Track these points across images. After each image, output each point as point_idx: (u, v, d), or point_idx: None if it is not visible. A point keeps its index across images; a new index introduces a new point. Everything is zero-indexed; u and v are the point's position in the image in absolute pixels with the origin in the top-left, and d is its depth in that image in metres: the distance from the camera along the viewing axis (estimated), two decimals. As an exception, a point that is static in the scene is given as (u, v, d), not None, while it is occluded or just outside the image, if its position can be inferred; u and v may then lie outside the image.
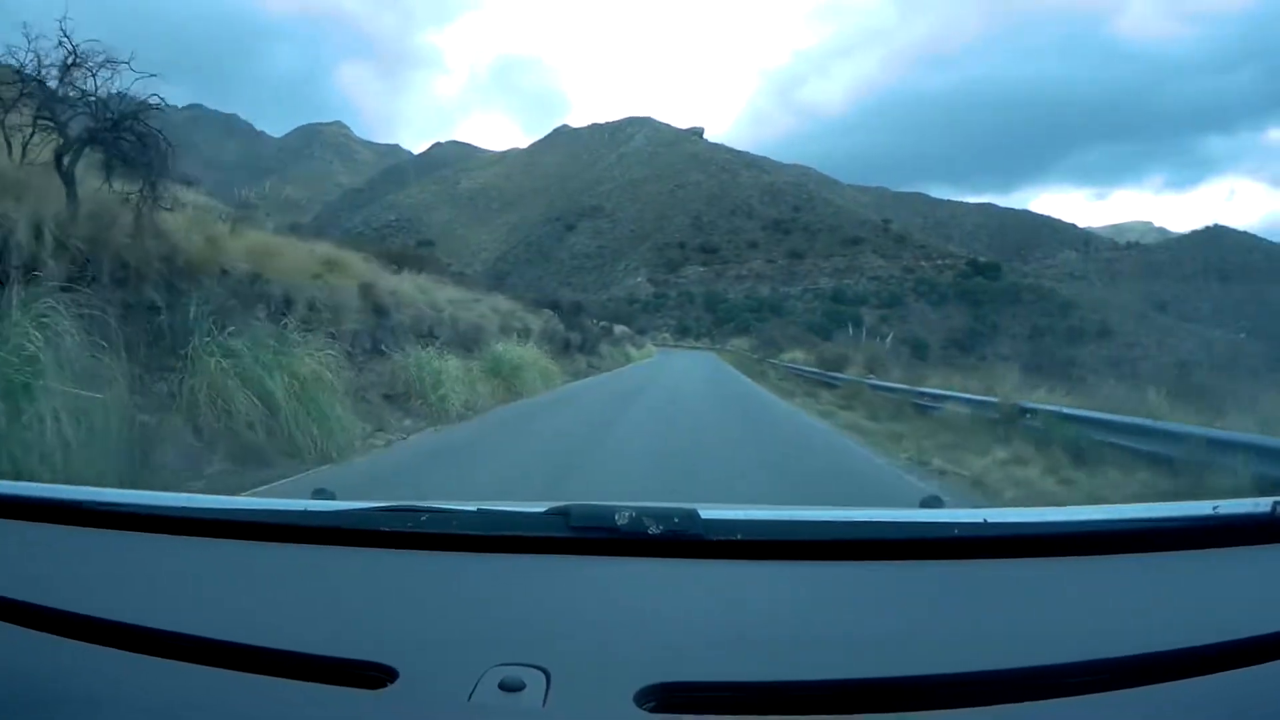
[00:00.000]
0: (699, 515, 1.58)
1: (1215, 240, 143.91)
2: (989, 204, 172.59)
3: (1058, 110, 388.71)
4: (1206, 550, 1.56)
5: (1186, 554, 1.56)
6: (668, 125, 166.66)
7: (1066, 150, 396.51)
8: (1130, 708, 1.10)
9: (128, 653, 1.26)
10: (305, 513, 1.77)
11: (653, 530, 1.54)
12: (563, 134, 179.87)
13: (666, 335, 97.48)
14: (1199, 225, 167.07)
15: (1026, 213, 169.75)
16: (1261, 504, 1.56)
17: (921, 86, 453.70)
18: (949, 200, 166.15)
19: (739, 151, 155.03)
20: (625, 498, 1.65)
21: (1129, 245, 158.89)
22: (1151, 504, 1.82)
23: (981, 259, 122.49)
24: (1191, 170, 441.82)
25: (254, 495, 5.41)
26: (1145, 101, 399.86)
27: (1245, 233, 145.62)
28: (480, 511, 1.68)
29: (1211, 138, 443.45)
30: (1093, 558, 1.54)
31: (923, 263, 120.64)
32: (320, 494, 2.07)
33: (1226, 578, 1.51)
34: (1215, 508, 1.58)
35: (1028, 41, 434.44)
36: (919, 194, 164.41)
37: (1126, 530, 1.62)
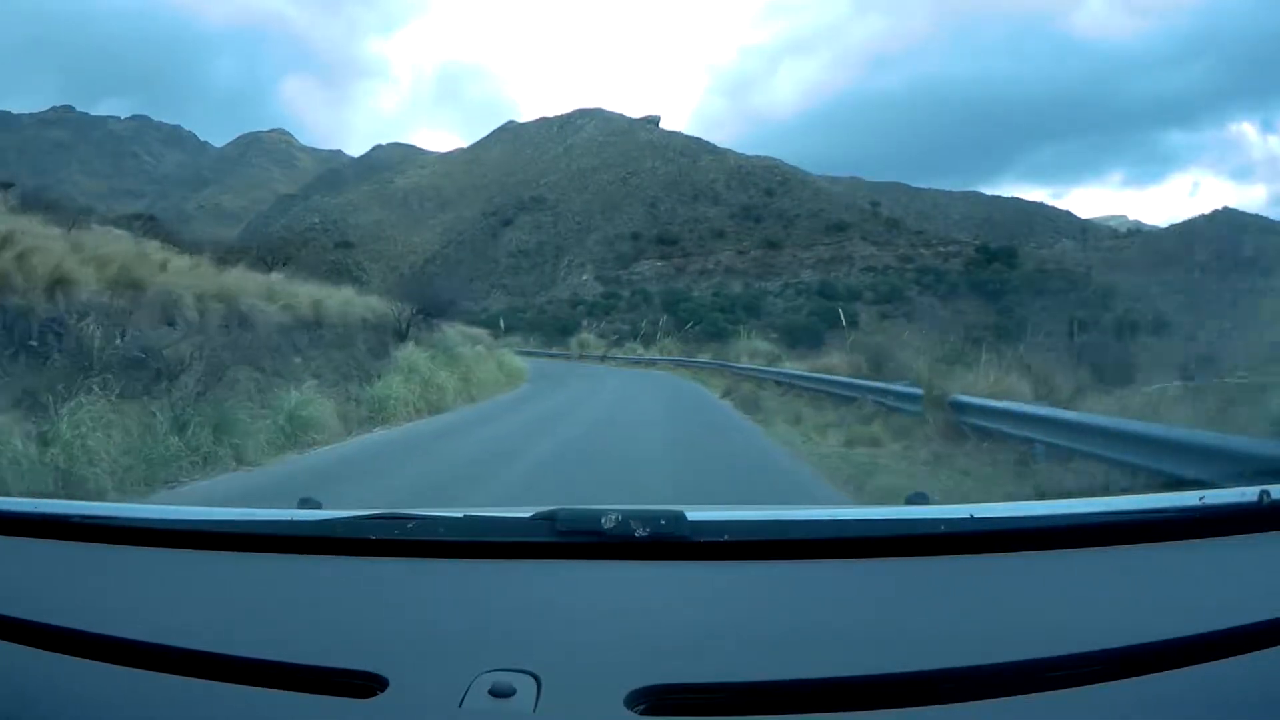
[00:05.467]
0: (685, 517, 1.53)
1: (1227, 224, 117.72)
2: (974, 192, 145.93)
3: (1012, 108, 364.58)
4: (1194, 541, 1.52)
5: (1173, 545, 1.51)
6: (620, 115, 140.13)
7: (1023, 149, 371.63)
8: (1121, 699, 1.07)
9: (115, 666, 1.22)
10: (291, 522, 1.74)
11: (639, 533, 1.50)
12: (508, 129, 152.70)
13: (588, 336, 55.15)
14: (1207, 210, 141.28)
15: (1016, 200, 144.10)
16: (1248, 493, 1.52)
17: (872, 86, 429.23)
18: (931, 189, 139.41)
19: (700, 140, 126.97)
20: None
21: (1130, 233, 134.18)
22: (1137, 496, 1.79)
23: (992, 244, 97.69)
24: (1152, 166, 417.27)
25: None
26: (1102, 97, 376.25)
27: (1258, 216, 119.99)
28: (467, 518, 1.65)
29: (1172, 132, 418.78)
30: (1079, 551, 1.50)
31: (922, 250, 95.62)
32: (306, 503, 1.98)
33: (1214, 568, 1.46)
34: (1202, 498, 1.56)
35: (977, 40, 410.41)
36: (898, 184, 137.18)
37: (1112, 523, 1.58)
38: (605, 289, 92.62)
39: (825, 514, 1.71)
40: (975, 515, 1.57)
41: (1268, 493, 1.49)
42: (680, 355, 42.79)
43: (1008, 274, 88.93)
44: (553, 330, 66.57)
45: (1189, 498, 1.56)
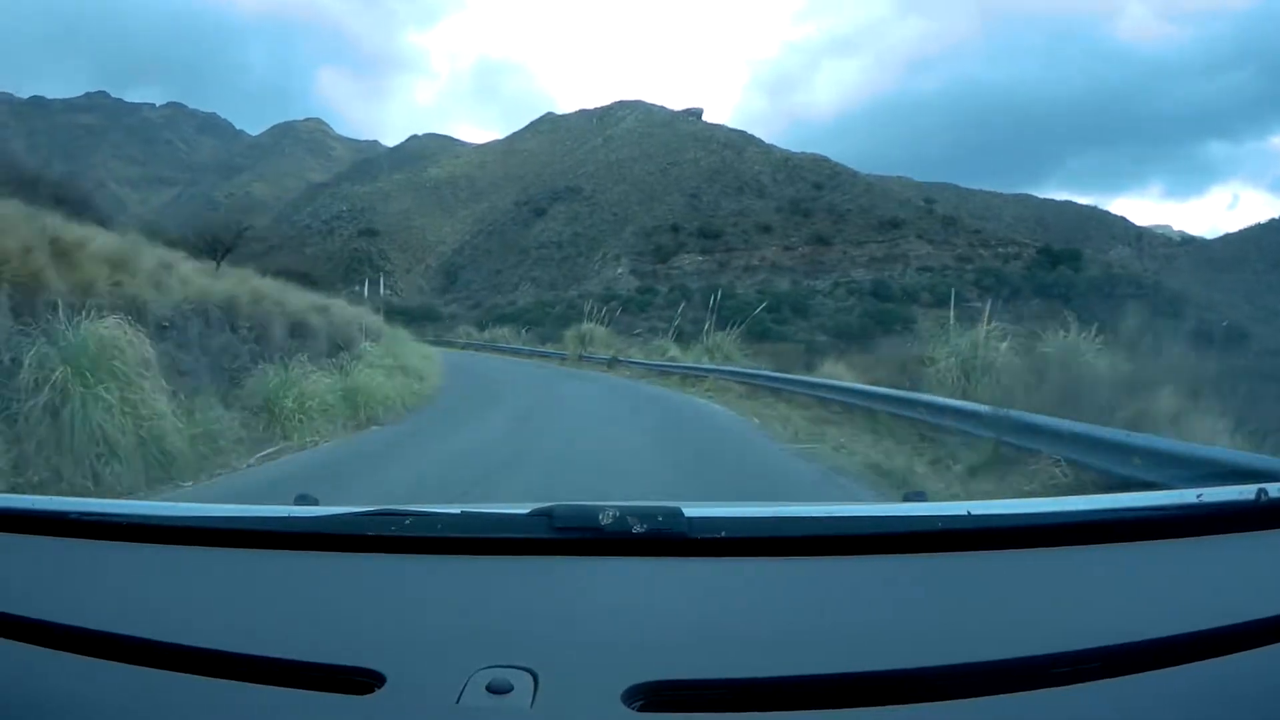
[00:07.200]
0: (683, 513, 1.51)
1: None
2: (1027, 195, 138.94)
3: (1053, 115, 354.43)
4: (1191, 539, 1.51)
5: (1171, 542, 1.50)
6: (662, 107, 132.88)
7: (1064, 157, 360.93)
8: (1119, 697, 1.06)
9: (110, 662, 1.21)
10: (288, 519, 1.71)
11: (637, 529, 1.48)
12: (546, 121, 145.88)
13: (593, 328, 33.38)
14: (1262, 220, 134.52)
15: (1069, 204, 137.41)
16: (1246, 491, 1.51)
17: (913, 87, 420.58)
18: (983, 190, 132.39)
19: (744, 133, 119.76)
20: None
21: (1184, 241, 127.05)
22: (1135, 493, 1.77)
23: (1055, 246, 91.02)
24: (1192, 177, 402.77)
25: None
26: (1142, 106, 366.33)
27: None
28: (464, 514, 1.63)
29: (1212, 144, 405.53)
30: (1077, 548, 1.49)
31: (981, 251, 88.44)
32: (303, 499, 1.93)
33: (1212, 565, 1.45)
34: (1200, 495, 1.54)
35: (1017, 44, 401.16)
36: (949, 184, 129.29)
37: (1111, 520, 1.56)
38: (641, 283, 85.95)
39: (823, 510, 1.66)
40: (973, 512, 1.55)
41: (1265, 491, 1.48)
42: (753, 365, 21.70)
43: (1073, 278, 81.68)
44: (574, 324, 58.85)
45: (1186, 495, 1.54)
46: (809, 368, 20.19)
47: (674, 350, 28.44)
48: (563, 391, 20.05)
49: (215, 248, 16.19)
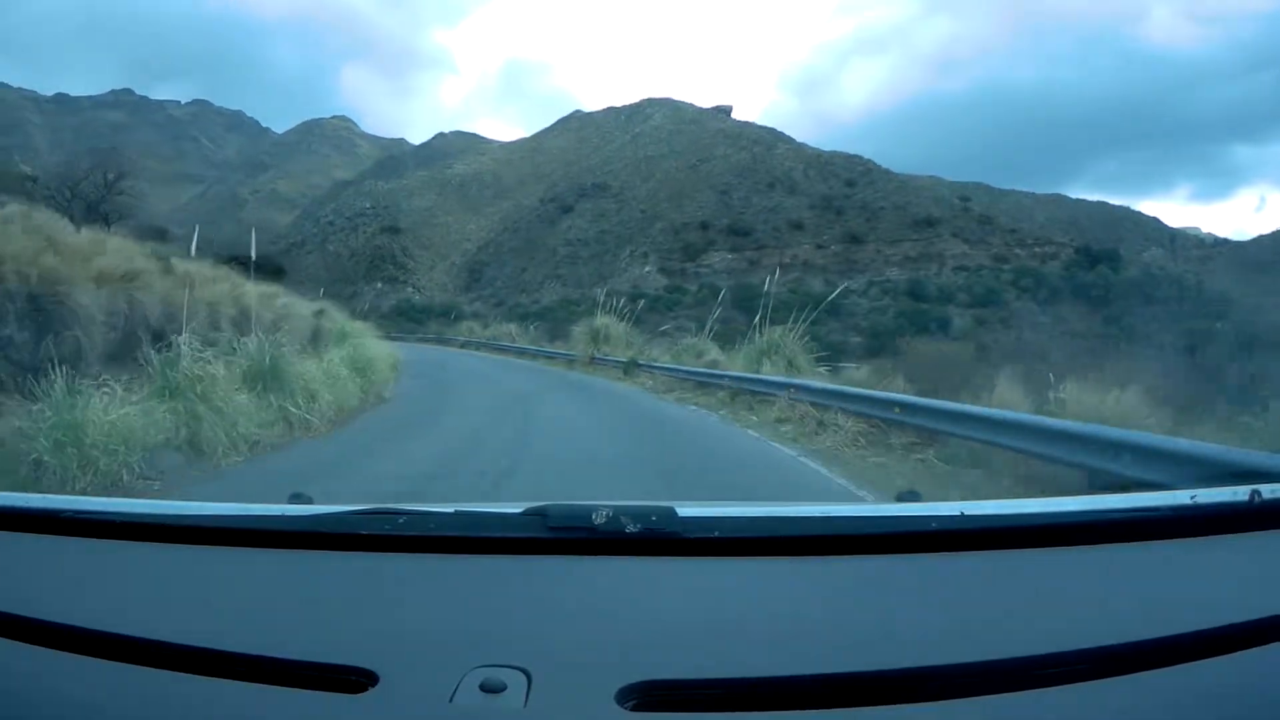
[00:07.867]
0: (676, 513, 1.52)
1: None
2: (1060, 195, 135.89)
3: (1080, 118, 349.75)
4: (1184, 540, 1.51)
5: (1164, 543, 1.50)
6: (691, 105, 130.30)
7: (1091, 160, 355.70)
8: (1111, 697, 1.06)
9: (105, 661, 1.20)
10: (282, 517, 1.70)
11: (630, 529, 1.48)
12: (574, 119, 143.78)
13: (608, 324, 26.73)
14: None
15: (1102, 205, 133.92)
16: (1239, 493, 1.51)
17: (942, 88, 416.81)
18: (1015, 191, 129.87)
19: (775, 130, 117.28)
20: None
21: (1216, 242, 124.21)
22: (1129, 494, 1.76)
23: (1094, 246, 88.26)
24: (1219, 180, 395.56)
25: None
26: (1170, 109, 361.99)
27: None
28: (458, 513, 1.63)
29: (1238, 146, 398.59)
30: (1070, 549, 1.49)
31: (1018, 250, 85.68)
32: (297, 498, 1.93)
33: (1204, 567, 1.45)
34: (1193, 497, 1.54)
35: (1045, 47, 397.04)
36: (980, 184, 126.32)
37: (1104, 520, 1.56)
38: (669, 281, 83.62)
39: (817, 511, 1.65)
40: (966, 513, 1.55)
41: (1258, 492, 1.47)
42: (825, 378, 15.09)
43: (1112, 279, 79.03)
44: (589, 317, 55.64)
45: (1180, 496, 1.53)
46: (962, 387, 12.36)
47: (714, 352, 20.89)
48: (545, 418, 13.38)
49: (73, 204, 12.28)
